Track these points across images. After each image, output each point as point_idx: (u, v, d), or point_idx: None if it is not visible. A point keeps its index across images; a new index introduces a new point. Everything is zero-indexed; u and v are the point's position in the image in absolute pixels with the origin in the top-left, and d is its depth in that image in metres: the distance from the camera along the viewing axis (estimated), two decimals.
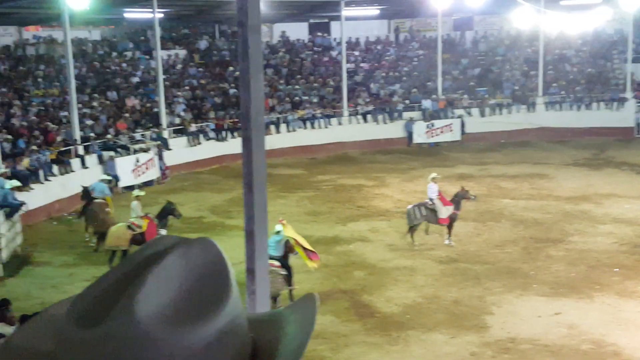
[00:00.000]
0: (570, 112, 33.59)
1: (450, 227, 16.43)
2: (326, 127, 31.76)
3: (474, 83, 35.18)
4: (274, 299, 11.88)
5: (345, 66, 32.86)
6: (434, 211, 16.33)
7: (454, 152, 29.82)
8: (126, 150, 24.56)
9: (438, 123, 32.37)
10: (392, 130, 32.42)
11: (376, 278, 14.24)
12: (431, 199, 16.39)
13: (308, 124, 31.49)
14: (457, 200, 16.58)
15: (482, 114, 33.37)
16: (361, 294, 13.38)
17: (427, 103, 33.24)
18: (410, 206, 16.63)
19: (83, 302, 0.94)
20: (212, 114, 29.35)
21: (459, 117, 32.83)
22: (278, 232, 12.81)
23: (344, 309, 12.57)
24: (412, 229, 16.37)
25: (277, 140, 29.47)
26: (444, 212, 16.34)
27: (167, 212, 16.06)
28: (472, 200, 16.98)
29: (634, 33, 33.90)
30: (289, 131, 30.88)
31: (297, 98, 32.46)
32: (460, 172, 24.73)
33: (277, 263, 12.36)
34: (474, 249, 16.01)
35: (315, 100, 32.70)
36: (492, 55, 37.12)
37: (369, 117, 32.64)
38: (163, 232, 15.64)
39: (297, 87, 33.31)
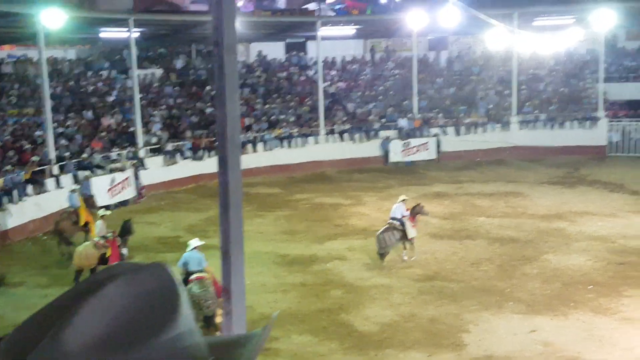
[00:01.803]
0: (544, 131, 34.02)
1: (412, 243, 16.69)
2: (303, 146, 31.84)
3: (449, 102, 35.53)
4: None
5: (321, 85, 33.03)
6: (403, 232, 16.53)
7: (430, 171, 30.02)
8: (102, 169, 24.37)
9: (414, 142, 32.62)
10: (369, 149, 32.58)
11: (353, 297, 14.22)
12: (399, 220, 16.56)
13: (285, 142, 31.56)
14: (413, 214, 16.94)
15: (458, 133, 33.69)
16: (339, 312, 13.33)
17: (403, 122, 33.49)
18: (379, 232, 16.67)
19: (19, 332, 0.95)
20: (188, 133, 29.26)
21: (435, 135, 33.10)
22: (193, 248, 12.65)
23: (321, 328, 12.51)
24: (382, 255, 16.40)
25: (254, 159, 29.47)
26: (412, 232, 16.65)
27: (126, 231, 15.92)
28: (425, 215, 17.36)
29: (605, 53, 34.50)
30: (266, 150, 30.90)
31: (274, 117, 32.52)
32: (436, 191, 24.87)
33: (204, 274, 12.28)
34: (450, 267, 16.07)
35: (292, 119, 32.77)
36: (467, 75, 37.54)
37: (345, 136, 32.80)
38: (124, 251, 15.55)
39: (274, 106, 33.38)
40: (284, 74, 36.22)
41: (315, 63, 34.83)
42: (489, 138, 33.43)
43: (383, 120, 33.87)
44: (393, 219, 16.75)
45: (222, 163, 3.35)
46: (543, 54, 34.47)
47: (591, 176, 27.72)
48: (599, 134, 33.47)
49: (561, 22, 32.60)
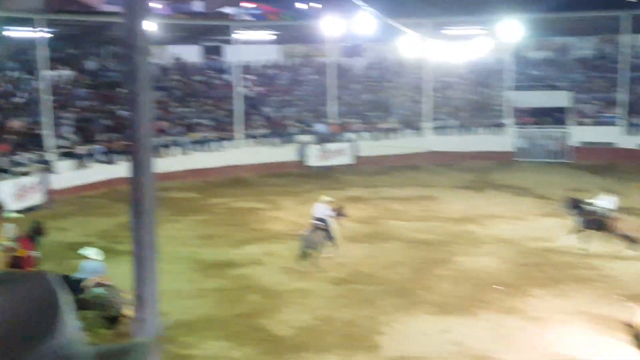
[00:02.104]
0: (455, 136, 35.04)
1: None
2: (220, 150, 31.60)
3: (365, 108, 36.08)
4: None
5: (238, 90, 32.88)
6: (327, 231, 16.83)
7: (347, 175, 30.34)
8: (8, 173, 23.39)
9: (331, 146, 32.92)
10: (286, 153, 32.65)
11: (270, 301, 14.19)
12: (323, 220, 16.82)
13: (202, 146, 31.23)
14: (336, 215, 17.47)
15: (373, 138, 34.24)
16: (255, 317, 13.27)
17: (320, 127, 33.75)
18: (305, 233, 16.79)
19: None
20: (101, 137, 28.49)
21: (351, 141, 33.53)
22: (90, 258, 12.48)
23: (237, 334, 12.42)
24: (306, 255, 16.51)
25: (169, 163, 29.01)
26: (336, 232, 17.07)
27: (36, 232, 15.33)
28: (345, 217, 17.87)
29: (512, 63, 35.88)
30: (182, 154, 30.50)
31: (190, 121, 32.11)
32: (352, 195, 25.15)
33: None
34: (366, 270, 16.28)
35: (209, 123, 32.47)
36: (382, 82, 38.21)
37: (263, 140, 32.76)
38: (35, 253, 14.99)
39: (190, 109, 32.96)
40: (201, 77, 35.81)
41: (232, 67, 34.65)
42: (404, 143, 34.15)
43: (300, 125, 34.05)
44: (316, 219, 16.93)
45: (135, 167, 3.29)
46: (454, 62, 35.49)
47: (499, 181, 28.71)
48: (506, 140, 34.75)
49: (471, 32, 33.66)
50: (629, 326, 11.34)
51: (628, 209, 22.50)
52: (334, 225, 17.08)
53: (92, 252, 12.54)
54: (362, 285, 15.08)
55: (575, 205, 18.17)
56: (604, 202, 17.97)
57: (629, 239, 17.36)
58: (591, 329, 12.42)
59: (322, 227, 16.73)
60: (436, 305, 13.72)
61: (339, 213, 17.47)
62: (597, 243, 17.59)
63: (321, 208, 17.08)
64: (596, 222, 17.53)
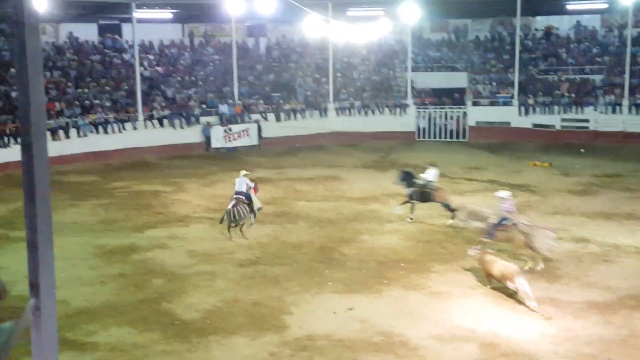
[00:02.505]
0: (359, 117, 35.48)
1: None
2: (120, 132, 30.70)
3: (269, 89, 35.91)
4: None
5: (138, 69, 31.98)
6: (250, 205, 17.42)
7: (252, 157, 30.19)
8: None
9: (235, 128, 32.63)
10: (190, 135, 32.11)
11: (176, 285, 13.97)
12: (245, 194, 17.36)
13: (101, 128, 30.24)
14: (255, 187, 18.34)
15: (278, 119, 34.18)
16: (160, 302, 13.03)
17: (223, 108, 33.35)
18: (230, 207, 17.09)
19: None
20: None
21: (256, 121, 33.34)
22: None
23: (142, 319, 12.16)
24: (234, 227, 17.15)
25: (66, 145, 28.00)
26: (258, 203, 17.86)
27: None
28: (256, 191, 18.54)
29: (412, 44, 36.59)
30: (79, 136, 29.45)
31: (87, 102, 30.98)
32: (258, 176, 24.97)
33: None
34: (272, 250, 16.30)
35: (107, 104, 31.44)
36: (285, 62, 38.11)
37: (165, 121, 32.06)
38: None
39: (87, 90, 31.77)
40: (98, 57, 34.53)
41: (131, 46, 33.63)
42: (308, 124, 34.28)
43: (204, 106, 33.54)
44: (238, 193, 17.36)
45: (27, 150, 3.10)
46: (356, 43, 35.84)
47: (402, 160, 29.30)
48: (408, 120, 35.51)
49: (372, 14, 34.07)
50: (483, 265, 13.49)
51: (522, 186, 23.56)
52: (256, 198, 17.86)
53: None
54: (268, 266, 15.09)
55: (406, 178, 19.54)
56: (430, 175, 19.39)
57: (449, 208, 18.74)
58: (489, 301, 12.92)
59: (244, 201, 17.27)
60: (342, 284, 13.91)
61: (255, 187, 18.17)
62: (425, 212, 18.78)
63: (242, 182, 17.60)
64: (423, 194, 19.10)
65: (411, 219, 18.98)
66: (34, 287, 3.01)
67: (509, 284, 12.80)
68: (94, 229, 18.40)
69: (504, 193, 15.99)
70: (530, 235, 14.71)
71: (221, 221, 17.26)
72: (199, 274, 14.59)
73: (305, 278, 14.28)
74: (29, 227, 3.00)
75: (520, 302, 12.67)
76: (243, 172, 18.32)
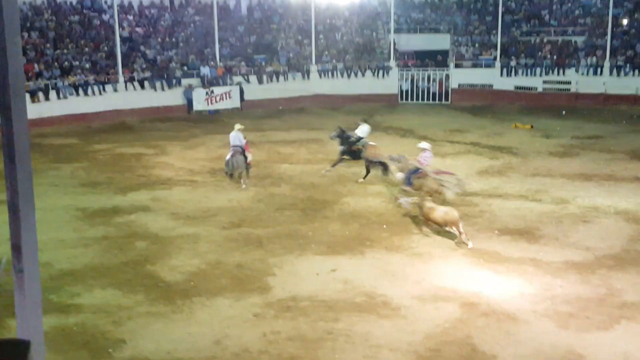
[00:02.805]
0: (342, 80, 35.34)
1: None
2: (101, 94, 30.40)
3: (251, 50, 35.57)
4: None
5: (118, 31, 31.50)
6: (245, 157, 18.45)
7: (234, 119, 29.95)
8: None
9: (217, 90, 32.39)
10: (171, 97, 31.86)
11: (159, 247, 13.98)
12: (240, 147, 18.37)
13: (81, 91, 29.88)
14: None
15: (260, 82, 33.95)
16: (144, 264, 13.05)
17: (205, 70, 33.06)
18: (228, 157, 18.43)
19: None
20: None
21: (238, 84, 33.10)
22: None
23: (126, 281, 12.19)
24: (232, 175, 18.50)
25: (46, 108, 27.70)
26: (250, 156, 18.79)
27: None
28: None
29: (395, 5, 36.31)
30: (59, 98, 29.11)
31: (67, 63, 30.54)
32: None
33: None
34: (255, 213, 16.32)
35: (87, 66, 31.02)
36: (267, 24, 37.70)
37: (146, 84, 31.73)
38: None
39: (66, 51, 31.30)
40: (76, 17, 33.94)
41: (110, 7, 33.06)
42: (290, 87, 34.09)
43: (185, 67, 33.19)
44: (235, 146, 18.40)
45: (5, 112, 3.07)
46: (339, 4, 35.55)
47: (385, 122, 29.32)
48: (391, 82, 35.42)
49: None
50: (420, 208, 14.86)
51: (504, 148, 23.70)
52: (248, 152, 18.80)
53: None
54: (251, 229, 15.12)
55: (340, 135, 19.90)
56: (361, 131, 19.76)
57: (383, 166, 18.96)
58: (470, 262, 13.08)
59: (240, 152, 18.37)
60: (325, 246, 13.99)
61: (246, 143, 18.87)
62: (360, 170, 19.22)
63: (236, 137, 18.53)
64: (354, 151, 19.51)
65: (329, 170, 19.63)
66: (16, 249, 3.00)
67: (450, 228, 14.14)
68: (76, 192, 18.29)
69: (424, 144, 17.66)
70: (440, 181, 16.52)
71: (226, 173, 18.65)
72: (182, 237, 14.61)
73: (288, 240, 14.34)
74: (9, 189, 2.98)
75: (498, 262, 12.86)
76: (237, 126, 18.98)
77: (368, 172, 19.23)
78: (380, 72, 35.58)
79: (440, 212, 14.31)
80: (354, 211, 16.47)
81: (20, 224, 3.08)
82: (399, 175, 17.65)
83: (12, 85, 2.97)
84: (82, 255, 13.49)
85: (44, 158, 21.63)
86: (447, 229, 14.21)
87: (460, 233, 13.92)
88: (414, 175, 16.72)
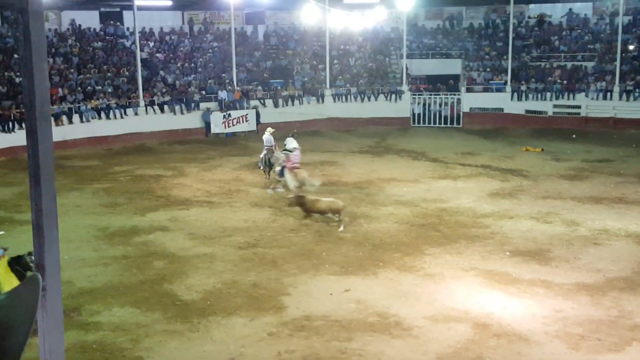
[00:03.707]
0: (355, 103, 35.40)
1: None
2: (122, 118, 30.63)
3: (267, 75, 35.81)
4: None
5: (139, 55, 31.84)
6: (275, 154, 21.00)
7: (251, 142, 30.12)
8: None
9: (234, 113, 32.55)
10: (190, 120, 32.05)
11: (176, 267, 14.01)
12: (272, 147, 21.18)
13: (103, 114, 30.15)
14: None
15: (276, 105, 34.09)
16: (161, 283, 13.08)
17: (223, 94, 33.27)
18: (262, 155, 21.31)
19: None
20: None
21: (254, 107, 33.26)
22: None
23: (144, 300, 12.21)
24: (265, 171, 21.05)
25: (69, 131, 27.95)
26: (279, 155, 21.07)
27: None
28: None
29: (407, 31, 36.47)
30: (82, 122, 29.37)
31: (89, 88, 30.88)
32: (256, 161, 24.98)
33: None
34: (270, 233, 16.32)
35: (109, 90, 31.34)
36: (283, 49, 37.96)
37: (165, 107, 31.97)
38: None
39: (89, 76, 31.66)
40: (99, 43, 34.37)
41: (132, 33, 33.46)
42: (305, 110, 34.20)
43: (203, 92, 33.44)
44: (268, 146, 21.18)
45: (31, 134, 3.11)
46: (353, 30, 35.75)
47: (397, 145, 29.32)
48: (403, 106, 35.44)
49: (368, 1, 33.95)
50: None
51: (515, 171, 23.60)
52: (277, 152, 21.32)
53: None
54: (266, 249, 15.12)
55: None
56: (288, 144, 21.86)
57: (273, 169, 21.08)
58: (481, 283, 12.99)
59: (272, 150, 21.09)
60: (338, 266, 13.95)
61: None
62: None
63: (268, 137, 21.42)
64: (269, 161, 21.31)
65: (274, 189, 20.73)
66: (40, 267, 3.03)
67: (333, 215, 16.52)
68: (97, 212, 18.40)
69: (294, 143, 21.46)
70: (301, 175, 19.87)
71: (260, 168, 21.38)
72: (199, 256, 14.63)
73: (302, 260, 14.31)
74: (34, 210, 3.01)
75: (510, 283, 12.76)
76: (269, 129, 21.82)
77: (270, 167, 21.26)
78: (393, 96, 35.63)
79: (325, 202, 16.67)
80: (367, 232, 16.43)
81: (44, 244, 3.11)
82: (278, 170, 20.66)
83: (39, 109, 3.01)
84: (102, 274, 13.54)
85: (66, 179, 21.80)
86: (330, 215, 16.55)
87: (340, 220, 16.38)
88: (285, 168, 20.17)
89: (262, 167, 21.39)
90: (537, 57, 36.83)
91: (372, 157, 26.77)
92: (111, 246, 15.41)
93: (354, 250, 15.03)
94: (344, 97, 35.48)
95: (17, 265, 11.37)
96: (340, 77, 36.14)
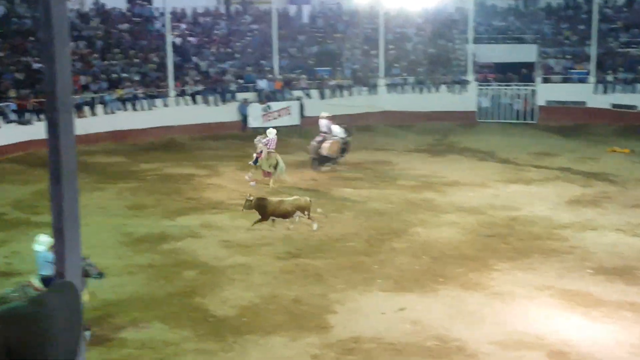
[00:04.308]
0: (413, 95, 35.20)
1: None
2: (150, 109, 31.09)
3: (313, 62, 35.88)
4: None
5: (170, 40, 32.24)
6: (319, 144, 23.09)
7: (293, 138, 30.22)
8: None
9: (275, 105, 32.73)
10: (225, 113, 32.34)
11: (209, 278, 14.14)
12: (327, 133, 23.16)
13: (129, 105, 30.64)
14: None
15: (322, 96, 34.14)
16: (192, 296, 13.21)
17: (262, 83, 33.48)
18: (313, 141, 23.44)
19: None
20: (12, 93, 27.66)
21: (298, 99, 33.38)
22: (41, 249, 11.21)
23: (172, 314, 12.35)
24: (314, 161, 23.17)
25: (92, 123, 28.43)
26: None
27: None
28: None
29: (474, 12, 36.04)
30: (106, 113, 29.91)
31: (115, 75, 31.43)
32: (300, 160, 25.09)
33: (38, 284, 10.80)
34: (315, 243, 16.34)
35: (136, 78, 31.84)
36: (331, 32, 37.98)
37: (198, 98, 32.33)
38: None
39: (114, 62, 32.23)
40: (126, 26, 34.96)
41: (162, 14, 33.92)
42: (356, 102, 34.15)
43: (240, 81, 33.69)
44: (323, 132, 22.82)
45: (52, 127, 3.14)
46: (410, 11, 35.57)
47: (461, 144, 29.07)
48: (468, 98, 35.08)
49: None
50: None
51: (599, 175, 23.14)
52: (340, 137, 23.41)
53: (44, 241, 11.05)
54: (310, 260, 15.14)
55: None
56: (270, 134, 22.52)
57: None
58: (558, 304, 12.75)
59: (328, 139, 22.63)
60: (392, 281, 13.88)
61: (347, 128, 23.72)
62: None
63: (324, 123, 23.02)
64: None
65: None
66: (60, 275, 3.05)
67: (302, 214, 17.12)
68: (122, 215, 18.71)
69: (270, 131, 22.36)
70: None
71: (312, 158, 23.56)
72: (234, 267, 14.74)
73: (350, 274, 14.28)
74: (54, 211, 3.04)
75: (591, 305, 12.49)
76: (324, 113, 23.34)
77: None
78: (457, 86, 35.31)
79: (289, 201, 17.24)
80: (425, 242, 16.32)
81: (65, 251, 3.13)
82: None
83: (60, 99, 3.03)
84: (127, 284, 13.74)
85: (88, 178, 22.19)
86: (298, 215, 17.07)
87: (310, 218, 17.07)
88: (259, 154, 21.86)
89: (312, 156, 23.08)
90: (626, 43, 36.02)
91: (431, 157, 26.59)
92: (137, 253, 15.64)
93: (410, 263, 14.94)
94: (399, 88, 35.33)
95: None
96: (395, 64, 35.99)
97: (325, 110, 24.81)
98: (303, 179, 22.26)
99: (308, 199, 17.60)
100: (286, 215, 17.17)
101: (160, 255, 15.50)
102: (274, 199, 17.63)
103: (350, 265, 14.78)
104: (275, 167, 21.69)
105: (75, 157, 3.17)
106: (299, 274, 14.35)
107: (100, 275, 11.46)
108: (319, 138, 23.32)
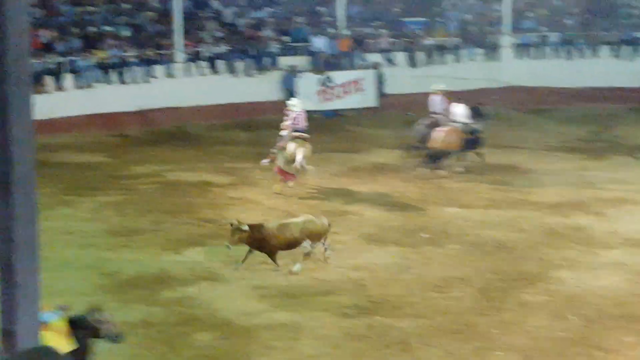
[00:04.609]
0: (556, 61, 34.88)
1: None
2: (146, 82, 31.30)
3: (399, 10, 35.83)
4: None
5: None
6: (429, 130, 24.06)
7: (366, 127, 30.27)
8: None
9: (339, 77, 32.72)
10: (261, 87, 32.49)
11: (234, 344, 14.18)
12: (436, 113, 24.40)
13: (113, 75, 30.90)
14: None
15: (413, 63, 34.05)
16: None
17: (319, 42, 33.52)
18: (417, 125, 24.72)
19: None
20: None
21: (374, 66, 33.34)
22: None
23: None
24: (415, 149, 24.39)
25: (59, 102, 28.75)
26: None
27: None
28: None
29: None
30: (79, 87, 30.19)
31: (92, 29, 31.77)
32: (376, 162, 25.16)
33: None
34: (399, 292, 16.28)
35: (125, 33, 32.16)
36: None
37: (220, 64, 32.48)
38: None
39: (92, 9, 32.60)
40: None
41: None
42: (465, 72, 33.98)
43: (286, 38, 33.78)
44: (433, 113, 24.27)
45: (0, 109, 3.19)
46: None
47: (632, 139, 28.67)
48: None
49: None
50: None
51: None
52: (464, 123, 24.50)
53: None
54: (392, 319, 15.09)
55: None
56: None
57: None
58: None
59: (443, 124, 23.88)
60: (521, 355, 13.77)
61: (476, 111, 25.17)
62: None
63: (438, 100, 24.42)
64: None
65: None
66: (9, 336, 3.09)
67: (321, 242, 17.43)
68: (101, 245, 18.87)
69: (294, 102, 24.19)
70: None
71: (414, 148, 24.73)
72: (274, 328, 14.75)
73: (456, 342, 14.21)
74: (2, 237, 3.08)
75: None
76: (434, 86, 24.74)
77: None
78: (627, 49, 34.90)
79: (297, 224, 17.42)
80: (573, 294, 16.14)
81: (15, 295, 3.16)
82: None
83: (11, 63, 3.07)
84: (112, 353, 13.85)
85: (52, 186, 22.44)
86: (307, 244, 17.16)
87: (327, 248, 17.46)
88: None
89: (415, 145, 24.39)
90: None
91: (583, 159, 26.43)
92: (124, 304, 15.74)
93: (549, 327, 14.80)
94: (534, 51, 35.09)
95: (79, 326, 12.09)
96: (529, 13, 35.77)
97: (436, 82, 25.33)
98: (382, 190, 22.21)
99: (326, 220, 17.70)
100: (294, 245, 17.28)
101: (160, 308, 15.59)
102: (271, 223, 17.60)
103: (456, 329, 14.69)
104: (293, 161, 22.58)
105: (32, 155, 3.20)
106: (375, 340, 14.31)
107: (118, 337, 11.75)
108: (427, 121, 24.21)
